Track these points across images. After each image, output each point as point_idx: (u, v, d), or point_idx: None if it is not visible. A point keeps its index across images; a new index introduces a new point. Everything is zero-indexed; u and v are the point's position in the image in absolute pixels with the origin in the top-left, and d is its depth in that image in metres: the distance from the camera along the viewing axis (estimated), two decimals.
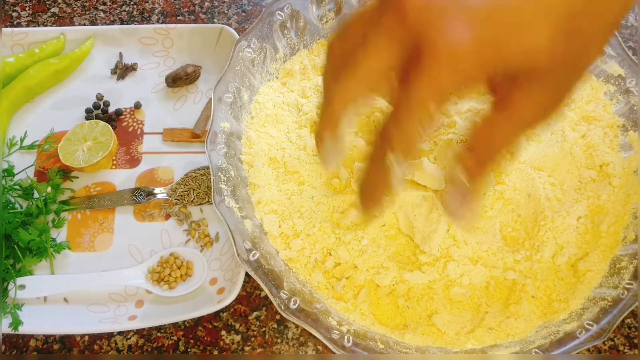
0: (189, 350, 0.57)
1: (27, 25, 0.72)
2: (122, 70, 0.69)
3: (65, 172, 0.63)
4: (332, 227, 0.56)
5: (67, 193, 0.63)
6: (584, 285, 0.54)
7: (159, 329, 0.57)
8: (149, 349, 0.57)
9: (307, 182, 0.59)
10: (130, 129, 0.66)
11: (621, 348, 0.57)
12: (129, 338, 0.57)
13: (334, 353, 0.48)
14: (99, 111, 0.67)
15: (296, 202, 0.57)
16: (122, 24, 0.72)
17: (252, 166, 0.58)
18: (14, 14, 0.73)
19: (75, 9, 0.73)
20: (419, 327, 0.53)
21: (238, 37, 0.61)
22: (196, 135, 0.65)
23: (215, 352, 0.56)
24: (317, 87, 0.63)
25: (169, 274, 0.58)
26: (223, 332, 0.57)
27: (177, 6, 0.73)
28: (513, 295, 0.54)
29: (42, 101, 0.67)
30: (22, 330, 0.54)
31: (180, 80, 0.67)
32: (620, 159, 0.59)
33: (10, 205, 0.60)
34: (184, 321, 0.57)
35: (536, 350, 0.50)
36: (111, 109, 0.67)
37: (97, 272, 0.58)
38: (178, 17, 0.73)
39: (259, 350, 0.57)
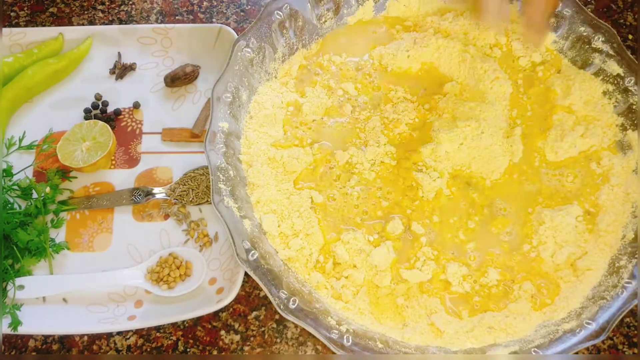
0: (188, 350, 0.57)
1: (26, 25, 0.72)
2: (121, 70, 0.69)
3: (64, 172, 0.63)
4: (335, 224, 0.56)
5: (66, 193, 0.63)
6: (583, 284, 0.54)
7: (158, 329, 0.57)
8: (148, 349, 0.57)
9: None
10: (129, 129, 0.66)
11: (620, 347, 0.57)
12: (128, 338, 0.57)
13: (334, 352, 0.48)
14: (98, 111, 0.67)
15: (295, 201, 0.57)
16: (120, 23, 0.72)
17: (251, 166, 0.58)
18: (12, 14, 0.73)
19: (73, 8, 0.73)
20: (418, 327, 0.53)
21: (237, 36, 0.61)
22: (195, 135, 0.65)
23: (215, 352, 0.56)
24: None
25: (168, 274, 0.58)
26: (222, 332, 0.57)
27: (176, 6, 0.73)
28: (512, 295, 0.54)
29: (41, 101, 0.67)
30: (22, 330, 0.54)
31: (179, 80, 0.67)
32: (619, 158, 0.59)
33: (9, 205, 0.60)
34: (183, 321, 0.57)
35: (535, 349, 0.50)
36: (110, 109, 0.67)
37: (96, 272, 0.58)
38: (177, 17, 0.73)
39: (258, 350, 0.57)
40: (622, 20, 0.73)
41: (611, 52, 0.60)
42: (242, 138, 0.59)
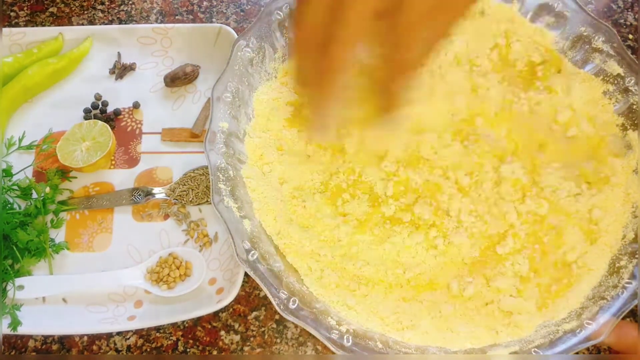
0: (188, 350, 0.56)
1: (25, 25, 0.72)
2: (121, 70, 0.69)
3: (64, 172, 0.63)
4: (332, 227, 0.56)
5: (66, 193, 0.63)
6: (584, 284, 0.54)
7: (157, 329, 0.57)
8: (148, 349, 0.57)
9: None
10: (129, 129, 0.66)
11: None
12: (128, 338, 0.57)
13: (334, 353, 0.48)
14: (98, 111, 0.67)
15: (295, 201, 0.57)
16: (120, 23, 0.72)
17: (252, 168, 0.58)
18: (12, 14, 0.73)
19: (73, 8, 0.73)
20: (418, 327, 0.53)
21: (237, 36, 0.60)
22: (195, 135, 0.65)
23: (215, 352, 0.56)
24: None
25: (168, 274, 0.58)
26: (222, 332, 0.57)
27: (176, 6, 0.73)
28: (512, 295, 0.54)
29: (41, 101, 0.67)
30: (21, 330, 0.54)
31: (178, 79, 0.67)
32: (619, 158, 0.59)
33: (9, 205, 0.60)
34: (183, 321, 0.57)
35: (535, 349, 0.50)
36: (110, 109, 0.67)
37: (95, 273, 0.58)
38: (176, 17, 0.73)
39: (258, 350, 0.56)
40: (622, 20, 0.73)
41: (611, 52, 0.60)
42: (241, 138, 0.59)
